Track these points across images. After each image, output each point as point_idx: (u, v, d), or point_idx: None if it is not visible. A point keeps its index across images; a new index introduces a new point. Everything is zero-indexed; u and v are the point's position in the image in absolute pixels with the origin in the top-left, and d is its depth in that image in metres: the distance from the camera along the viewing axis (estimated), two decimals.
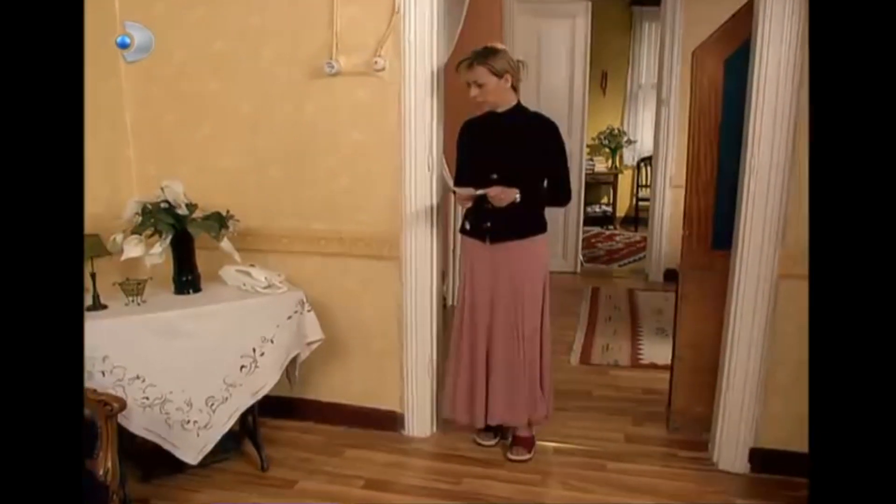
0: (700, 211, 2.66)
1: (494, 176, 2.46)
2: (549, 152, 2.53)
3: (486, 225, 2.55)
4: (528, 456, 2.69)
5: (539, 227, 2.61)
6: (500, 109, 2.49)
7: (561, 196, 2.63)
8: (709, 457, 2.67)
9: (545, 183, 2.57)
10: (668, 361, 3.60)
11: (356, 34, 2.58)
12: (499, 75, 2.41)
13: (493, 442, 2.80)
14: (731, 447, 2.57)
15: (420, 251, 2.72)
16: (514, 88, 2.49)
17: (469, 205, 2.54)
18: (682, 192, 4.99)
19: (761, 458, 2.53)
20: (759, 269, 2.41)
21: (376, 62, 2.56)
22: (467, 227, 2.63)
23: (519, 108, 2.53)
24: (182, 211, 2.47)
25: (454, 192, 2.60)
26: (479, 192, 2.43)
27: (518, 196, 2.44)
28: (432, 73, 2.57)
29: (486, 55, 2.41)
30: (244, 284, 2.57)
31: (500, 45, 2.47)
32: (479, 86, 2.42)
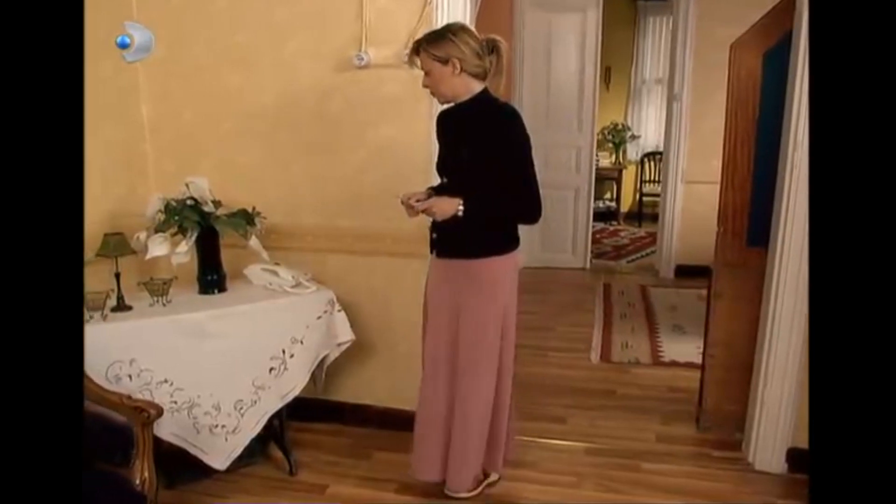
0: (735, 207, 2.61)
1: (444, 180, 2.18)
2: (502, 150, 2.06)
3: (433, 236, 2.22)
4: (465, 495, 2.33)
5: (497, 245, 2.17)
6: (459, 101, 2.13)
7: (523, 207, 2.12)
8: (743, 457, 2.64)
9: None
10: (690, 359, 3.61)
11: (386, 26, 2.50)
12: (443, 62, 2.04)
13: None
14: (767, 447, 2.54)
15: None
16: (476, 76, 2.09)
17: (414, 217, 2.19)
18: (695, 187, 5.08)
19: (799, 459, 2.50)
20: (799, 267, 2.37)
21: (407, 54, 2.48)
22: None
23: (477, 99, 2.11)
24: (208, 208, 2.39)
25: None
26: (414, 203, 2.10)
27: (461, 208, 2.05)
28: None
29: (427, 40, 2.07)
30: (270, 283, 2.49)
31: (456, 24, 2.14)
32: (427, 74, 2.11)
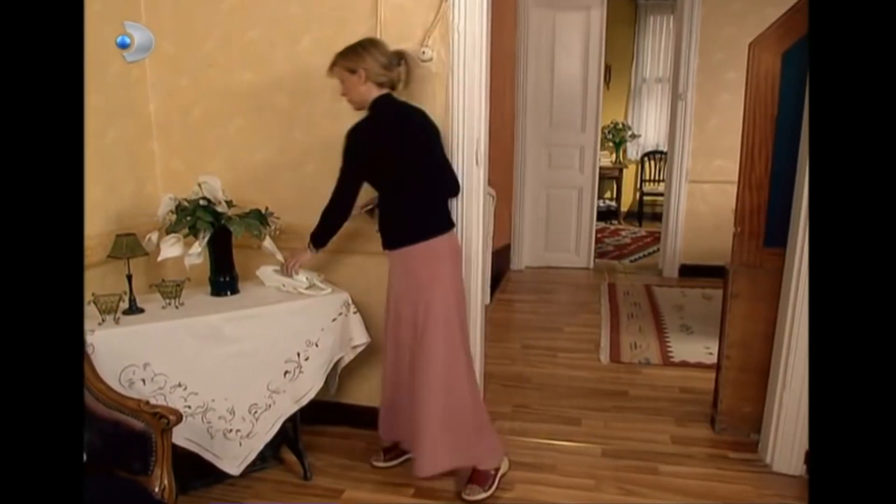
0: (753, 207, 2.59)
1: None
2: None
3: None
4: (483, 495, 2.36)
5: (415, 233, 2.27)
6: (365, 107, 2.30)
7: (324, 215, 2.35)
8: (760, 458, 2.62)
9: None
10: (699, 359, 3.59)
11: (402, 23, 2.46)
12: (351, 72, 2.23)
13: (387, 464, 2.60)
14: (786, 449, 2.52)
15: (465, 249, 2.62)
16: (381, 85, 2.25)
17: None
18: (698, 187, 5.08)
19: None
20: None
21: (423, 52, 2.45)
22: None
23: (370, 105, 2.27)
24: (221, 208, 2.34)
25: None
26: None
27: (310, 253, 2.41)
28: (482, 63, 2.47)
29: (342, 53, 2.25)
30: (283, 285, 2.45)
31: (368, 39, 2.29)
32: (341, 83, 2.28)
